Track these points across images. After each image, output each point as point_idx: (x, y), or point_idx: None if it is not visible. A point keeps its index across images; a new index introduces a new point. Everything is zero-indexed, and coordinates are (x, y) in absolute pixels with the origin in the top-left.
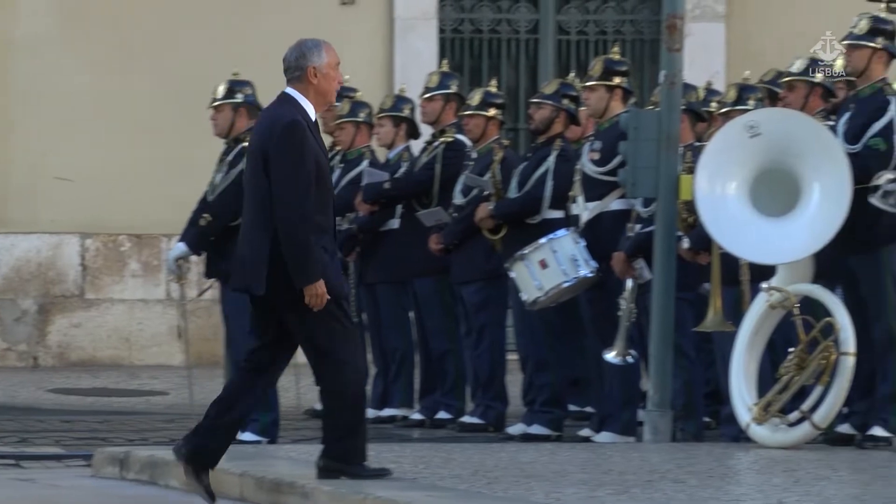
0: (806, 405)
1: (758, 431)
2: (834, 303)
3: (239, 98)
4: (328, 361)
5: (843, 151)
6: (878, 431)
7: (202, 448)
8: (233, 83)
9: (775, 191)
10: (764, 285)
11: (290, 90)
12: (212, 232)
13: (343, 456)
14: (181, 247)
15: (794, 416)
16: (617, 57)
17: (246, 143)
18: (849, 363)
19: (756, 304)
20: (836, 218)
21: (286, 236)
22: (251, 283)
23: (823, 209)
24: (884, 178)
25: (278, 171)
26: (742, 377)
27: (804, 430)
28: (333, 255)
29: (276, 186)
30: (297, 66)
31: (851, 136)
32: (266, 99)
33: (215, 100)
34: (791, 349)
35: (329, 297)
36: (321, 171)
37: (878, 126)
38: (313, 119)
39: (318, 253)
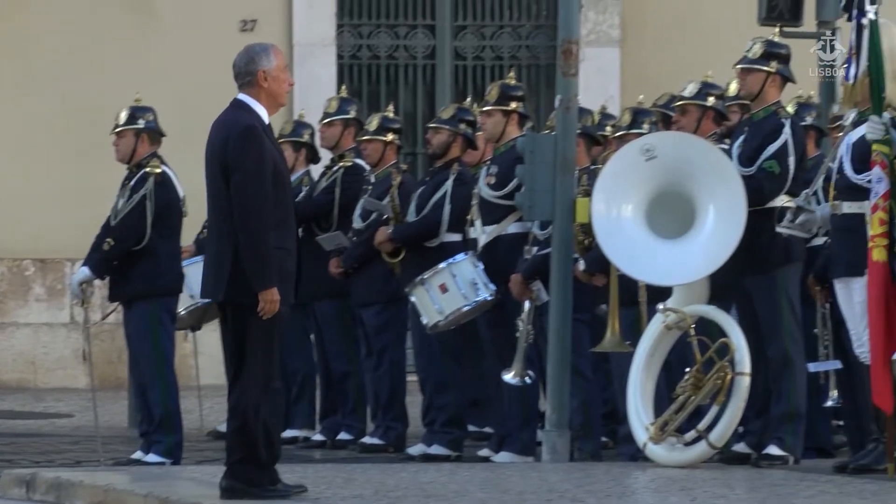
0: (702, 425)
1: (655, 451)
2: (729, 324)
3: (141, 124)
4: (251, 379)
5: (738, 174)
6: (773, 450)
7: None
8: (134, 109)
9: (671, 213)
10: (660, 306)
11: (242, 96)
12: (114, 256)
13: (254, 474)
14: (85, 271)
15: (691, 435)
16: (513, 82)
17: (148, 169)
18: (744, 383)
19: (652, 324)
20: (730, 239)
21: (245, 241)
22: (213, 290)
23: (718, 231)
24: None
25: (237, 178)
26: (639, 397)
27: (700, 449)
28: (290, 254)
29: (234, 192)
30: (248, 72)
31: (746, 159)
32: (167, 123)
33: (117, 126)
34: (687, 369)
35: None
36: (278, 173)
37: (772, 149)
38: (267, 122)
39: (276, 260)
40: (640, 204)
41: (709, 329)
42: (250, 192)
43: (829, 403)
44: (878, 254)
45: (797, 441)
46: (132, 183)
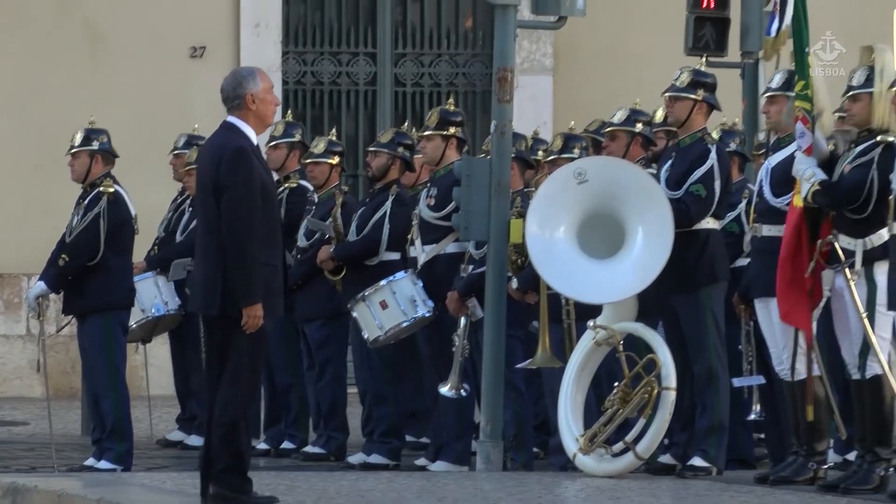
0: (630, 436)
1: (584, 461)
2: (656, 340)
3: (95, 145)
4: (237, 390)
5: (665, 197)
6: (697, 462)
7: None
8: (89, 131)
9: (602, 234)
10: (590, 323)
11: (231, 118)
12: (69, 272)
13: (237, 483)
14: (41, 285)
15: (619, 446)
16: (452, 108)
17: (101, 189)
18: (670, 397)
19: (583, 341)
20: (658, 259)
21: (233, 258)
22: (205, 304)
23: (647, 251)
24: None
25: (227, 197)
26: (570, 410)
27: (628, 459)
28: (277, 270)
29: (225, 211)
30: (236, 95)
31: (673, 183)
32: (120, 145)
33: (73, 147)
34: (616, 384)
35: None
36: (267, 193)
37: (699, 173)
38: (255, 143)
39: (263, 276)
40: (572, 225)
41: (637, 345)
42: (240, 211)
43: (752, 417)
44: (797, 200)
45: (720, 453)
46: (86, 202)
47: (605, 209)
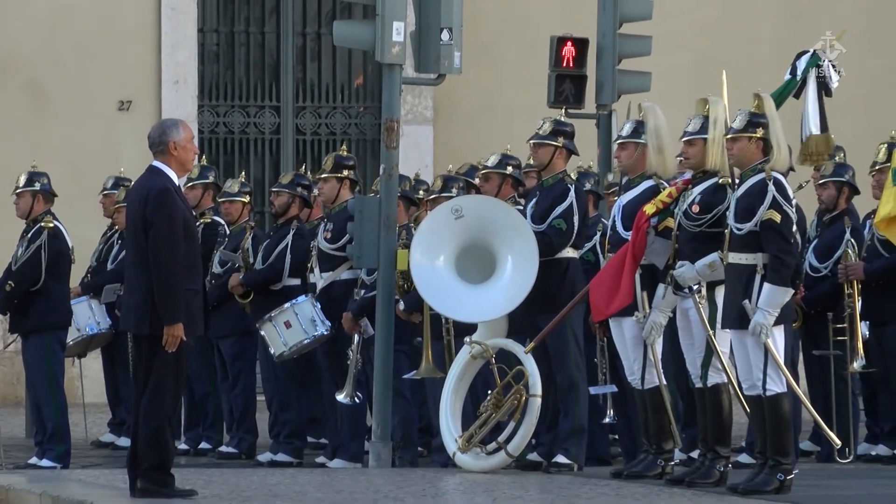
0: (502, 437)
1: (462, 459)
2: (524, 354)
3: (37, 186)
4: (162, 398)
5: (531, 230)
6: (561, 459)
7: None
8: (32, 174)
9: (476, 263)
10: (467, 339)
11: (156, 163)
12: (15, 296)
13: (161, 479)
14: None
15: (492, 446)
16: (345, 153)
17: (42, 224)
18: (536, 403)
19: (460, 355)
20: (525, 284)
21: (159, 284)
22: (137, 324)
23: (515, 277)
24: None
25: (154, 231)
26: (450, 414)
27: (500, 457)
28: (198, 293)
29: (152, 243)
30: (161, 142)
31: (538, 218)
32: (58, 186)
33: (18, 187)
34: (489, 391)
35: (183, 340)
36: (188, 227)
37: (560, 209)
38: (177, 184)
39: (185, 300)
40: (451, 255)
41: (508, 358)
42: (164, 244)
43: (607, 420)
44: (648, 208)
45: (581, 451)
46: (29, 235)
47: (479, 241)
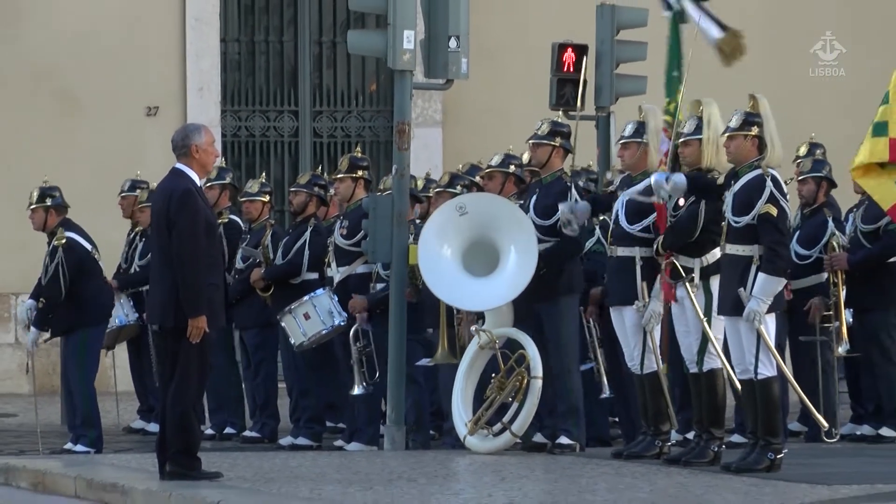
0: (506, 418)
1: (471, 441)
2: (526, 339)
3: (48, 202)
4: (188, 386)
5: (531, 224)
6: (563, 440)
7: None
8: (43, 189)
9: (480, 257)
10: (474, 328)
11: (179, 165)
12: (48, 311)
13: (189, 462)
14: (34, 331)
15: (497, 427)
16: (360, 154)
17: (55, 242)
18: (538, 385)
19: (471, 345)
20: (526, 274)
21: (183, 279)
22: (162, 317)
23: (518, 268)
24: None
25: (177, 230)
26: (461, 400)
27: (505, 438)
28: (219, 288)
29: (175, 241)
30: (183, 145)
31: (541, 213)
32: (85, 188)
33: (31, 203)
34: (493, 375)
35: (206, 332)
36: (209, 226)
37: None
38: (199, 185)
39: (207, 294)
40: (457, 249)
41: (511, 344)
42: (187, 242)
43: (605, 395)
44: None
45: (581, 432)
46: (49, 250)
47: (483, 236)
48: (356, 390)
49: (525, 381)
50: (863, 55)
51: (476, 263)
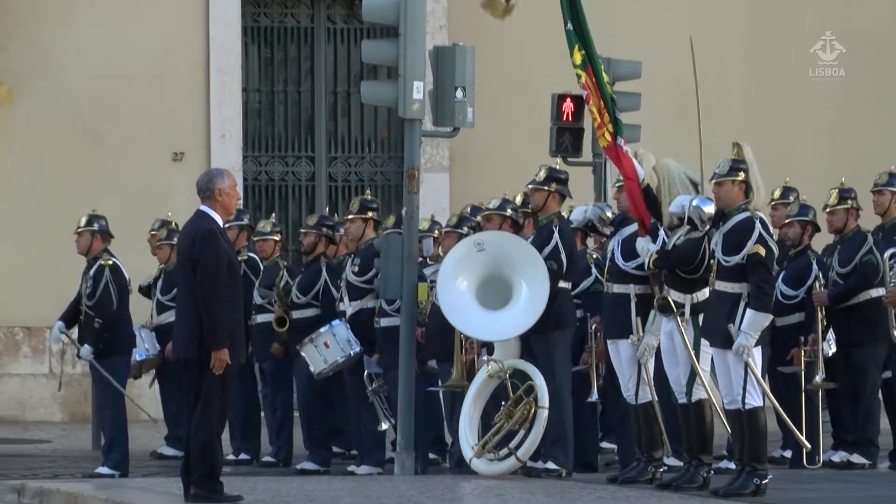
0: (512, 444)
1: (477, 464)
2: (534, 371)
3: (96, 227)
4: (211, 415)
5: (542, 261)
6: (550, 465)
7: None
8: (91, 216)
9: (494, 292)
10: (485, 357)
11: (203, 207)
12: (104, 330)
13: (212, 486)
14: (89, 348)
15: (504, 452)
16: (370, 197)
17: (102, 262)
18: (544, 414)
19: (479, 374)
20: (539, 307)
21: (206, 314)
22: (188, 351)
23: (530, 302)
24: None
25: (201, 268)
26: (467, 424)
27: (510, 462)
28: (240, 323)
29: (199, 279)
30: (207, 188)
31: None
32: (114, 227)
33: (79, 227)
34: (503, 403)
35: (229, 363)
36: (231, 264)
37: (547, 250)
38: (222, 226)
39: (228, 328)
40: (472, 283)
41: (516, 374)
42: (209, 279)
43: (593, 399)
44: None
45: (568, 458)
46: (92, 273)
47: (498, 272)
48: (383, 426)
49: (532, 410)
50: (825, 109)
51: (490, 297)
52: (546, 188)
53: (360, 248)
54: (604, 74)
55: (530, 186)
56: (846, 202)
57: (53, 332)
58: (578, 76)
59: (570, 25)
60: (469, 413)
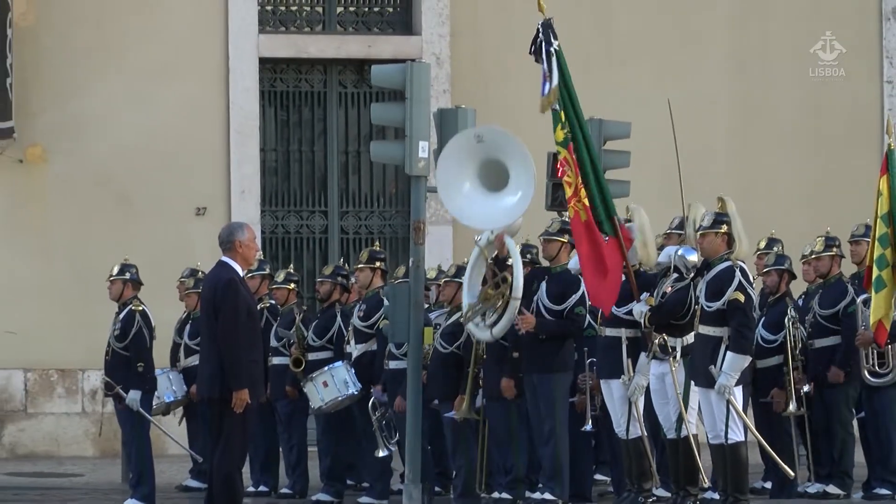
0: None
1: (469, 327)
2: (517, 260)
3: (127, 275)
4: (232, 450)
5: (529, 155)
6: (547, 496)
7: None
8: (123, 265)
9: (492, 174)
10: (476, 238)
11: (224, 258)
12: (147, 371)
13: None
14: (138, 393)
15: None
16: (378, 248)
17: (133, 307)
18: (515, 304)
19: (473, 253)
20: (528, 195)
21: (227, 357)
22: (210, 390)
23: (520, 189)
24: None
25: (222, 314)
26: (466, 289)
27: (486, 334)
28: (259, 364)
29: (220, 324)
30: (228, 241)
31: (554, 298)
32: (143, 277)
33: (111, 275)
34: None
35: (248, 403)
36: (250, 311)
37: (575, 298)
38: (241, 276)
39: (248, 369)
40: (474, 169)
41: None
42: (230, 325)
43: (586, 428)
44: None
45: (564, 490)
46: (122, 318)
47: (494, 158)
48: (381, 453)
49: (506, 297)
50: (805, 164)
51: (489, 178)
52: (559, 239)
53: (367, 296)
54: (587, 151)
55: (543, 237)
56: (831, 249)
57: (130, 404)
58: (559, 153)
59: (557, 105)
60: (469, 279)
